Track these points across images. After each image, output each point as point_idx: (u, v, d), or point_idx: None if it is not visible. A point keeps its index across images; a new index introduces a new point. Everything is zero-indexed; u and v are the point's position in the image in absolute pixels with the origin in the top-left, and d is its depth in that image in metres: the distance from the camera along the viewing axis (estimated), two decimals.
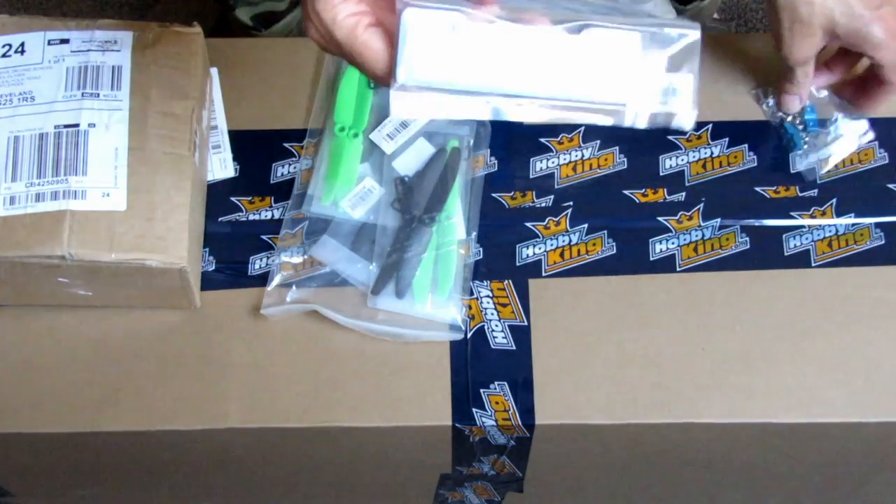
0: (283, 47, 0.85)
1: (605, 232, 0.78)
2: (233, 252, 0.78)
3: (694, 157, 0.81)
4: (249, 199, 0.79)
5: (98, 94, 0.73)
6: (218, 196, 0.79)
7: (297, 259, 0.77)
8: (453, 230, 0.77)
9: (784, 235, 0.78)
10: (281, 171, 0.80)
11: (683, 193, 0.79)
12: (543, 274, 0.77)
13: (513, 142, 0.81)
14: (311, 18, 0.55)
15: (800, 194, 0.79)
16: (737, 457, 0.80)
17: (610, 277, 0.77)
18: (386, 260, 0.76)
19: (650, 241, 0.78)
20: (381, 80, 0.56)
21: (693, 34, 0.58)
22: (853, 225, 0.78)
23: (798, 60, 0.75)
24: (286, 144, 0.81)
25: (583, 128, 0.81)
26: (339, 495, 0.91)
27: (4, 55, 0.75)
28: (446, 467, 0.82)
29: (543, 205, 0.79)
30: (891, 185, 0.80)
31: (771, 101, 0.82)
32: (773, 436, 0.76)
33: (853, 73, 0.80)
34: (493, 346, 0.75)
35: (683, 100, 0.58)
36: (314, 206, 0.78)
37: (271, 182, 0.80)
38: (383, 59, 0.55)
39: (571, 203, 0.79)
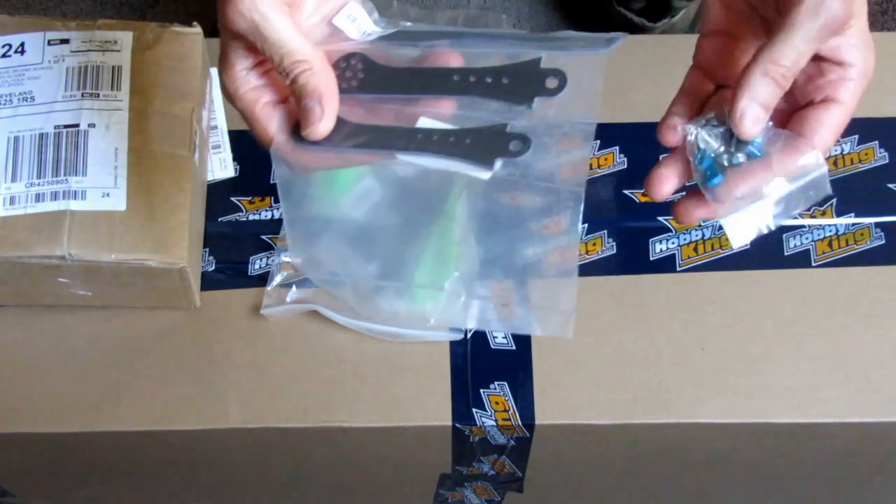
0: None
1: (605, 232, 0.78)
2: (233, 252, 0.78)
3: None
4: (249, 199, 0.79)
5: (98, 95, 0.73)
6: (218, 196, 0.79)
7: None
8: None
9: (784, 235, 0.78)
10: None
11: (683, 193, 0.79)
12: None
13: None
14: (220, 83, 0.58)
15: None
16: (737, 457, 0.81)
17: (610, 277, 0.77)
18: (386, 260, 0.76)
19: (650, 240, 0.78)
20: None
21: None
22: (853, 225, 0.78)
23: (799, 64, 0.55)
24: None
25: None
26: (339, 495, 0.91)
27: (4, 55, 0.75)
28: (446, 467, 0.82)
29: None
30: (891, 185, 0.80)
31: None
32: (773, 436, 0.76)
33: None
34: (493, 346, 0.75)
35: None
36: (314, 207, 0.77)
37: (271, 182, 0.80)
38: (268, 138, 0.57)
39: None
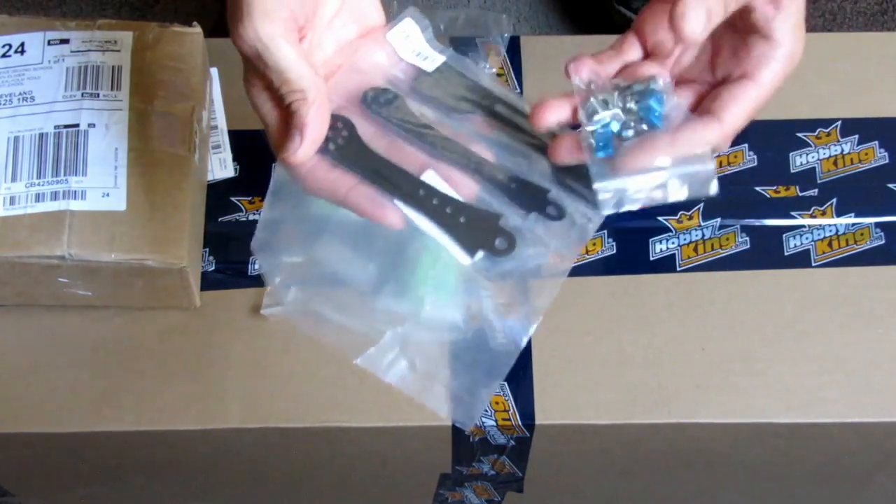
0: None
1: (605, 232, 0.78)
2: (233, 252, 0.78)
3: None
4: (249, 199, 0.80)
5: (98, 95, 0.73)
6: (218, 196, 0.79)
7: (297, 259, 0.77)
8: None
9: (784, 235, 0.78)
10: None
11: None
12: None
13: None
14: (244, 85, 0.58)
15: (800, 194, 0.79)
16: (737, 457, 0.81)
17: (610, 277, 0.77)
18: (386, 260, 0.76)
19: (650, 240, 0.78)
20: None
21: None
22: (853, 225, 0.78)
23: (697, 32, 0.52)
24: None
25: None
26: (340, 495, 0.91)
27: (4, 55, 0.75)
28: (446, 467, 0.82)
29: None
30: (891, 185, 0.80)
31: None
32: (773, 436, 0.76)
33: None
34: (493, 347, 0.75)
35: None
36: (314, 206, 0.77)
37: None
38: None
39: None
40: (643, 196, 0.54)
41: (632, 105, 0.54)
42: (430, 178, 0.56)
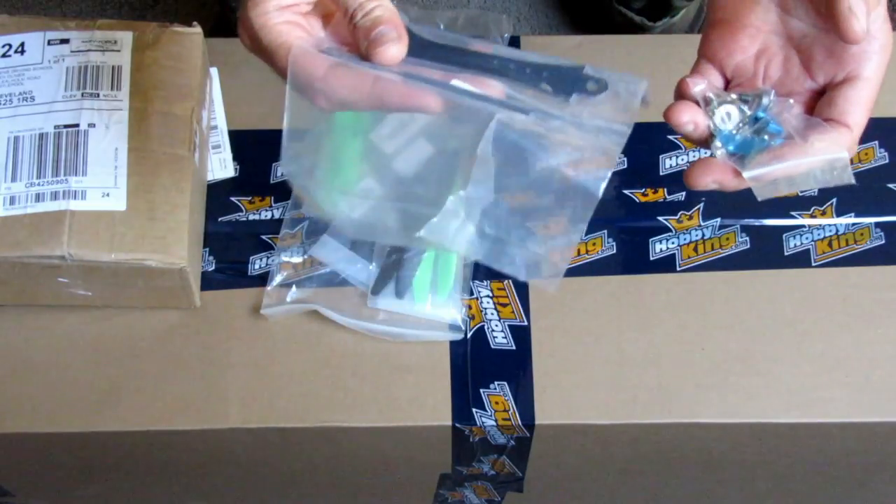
0: None
1: (605, 231, 0.78)
2: (233, 252, 0.78)
3: (694, 156, 0.81)
4: (249, 199, 0.80)
5: (98, 95, 0.73)
6: (218, 196, 0.79)
7: (297, 259, 0.77)
8: None
9: (784, 235, 0.78)
10: (281, 170, 0.80)
11: (683, 193, 0.79)
12: None
13: None
14: (242, 21, 0.57)
15: (800, 194, 0.79)
16: (737, 457, 0.81)
17: (610, 277, 0.77)
18: (386, 260, 0.76)
19: (650, 240, 0.78)
20: None
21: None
22: (853, 224, 0.78)
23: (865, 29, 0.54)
24: None
25: None
26: (339, 495, 0.91)
27: (4, 55, 0.75)
28: (446, 467, 0.82)
29: None
30: (891, 185, 0.80)
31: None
32: (773, 436, 0.76)
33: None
34: (493, 346, 0.75)
35: None
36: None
37: (271, 182, 0.80)
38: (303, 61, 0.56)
39: None
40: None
41: (756, 114, 0.56)
42: (457, 84, 0.55)
